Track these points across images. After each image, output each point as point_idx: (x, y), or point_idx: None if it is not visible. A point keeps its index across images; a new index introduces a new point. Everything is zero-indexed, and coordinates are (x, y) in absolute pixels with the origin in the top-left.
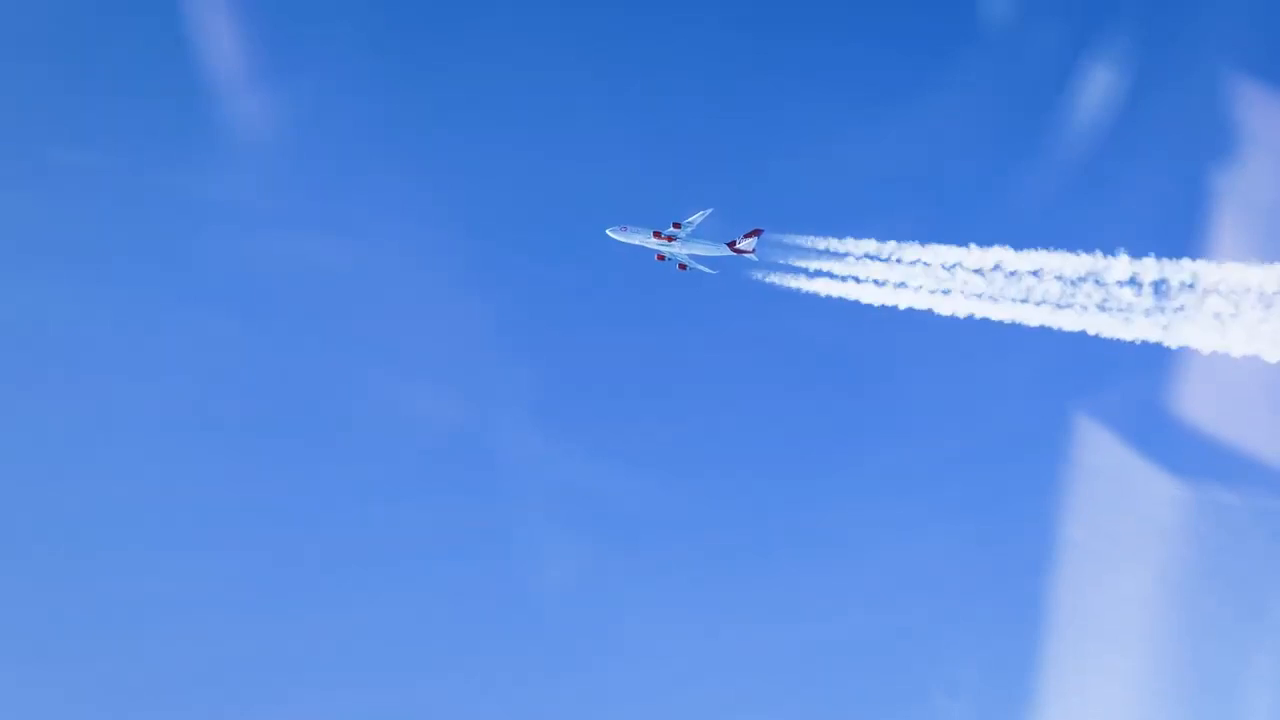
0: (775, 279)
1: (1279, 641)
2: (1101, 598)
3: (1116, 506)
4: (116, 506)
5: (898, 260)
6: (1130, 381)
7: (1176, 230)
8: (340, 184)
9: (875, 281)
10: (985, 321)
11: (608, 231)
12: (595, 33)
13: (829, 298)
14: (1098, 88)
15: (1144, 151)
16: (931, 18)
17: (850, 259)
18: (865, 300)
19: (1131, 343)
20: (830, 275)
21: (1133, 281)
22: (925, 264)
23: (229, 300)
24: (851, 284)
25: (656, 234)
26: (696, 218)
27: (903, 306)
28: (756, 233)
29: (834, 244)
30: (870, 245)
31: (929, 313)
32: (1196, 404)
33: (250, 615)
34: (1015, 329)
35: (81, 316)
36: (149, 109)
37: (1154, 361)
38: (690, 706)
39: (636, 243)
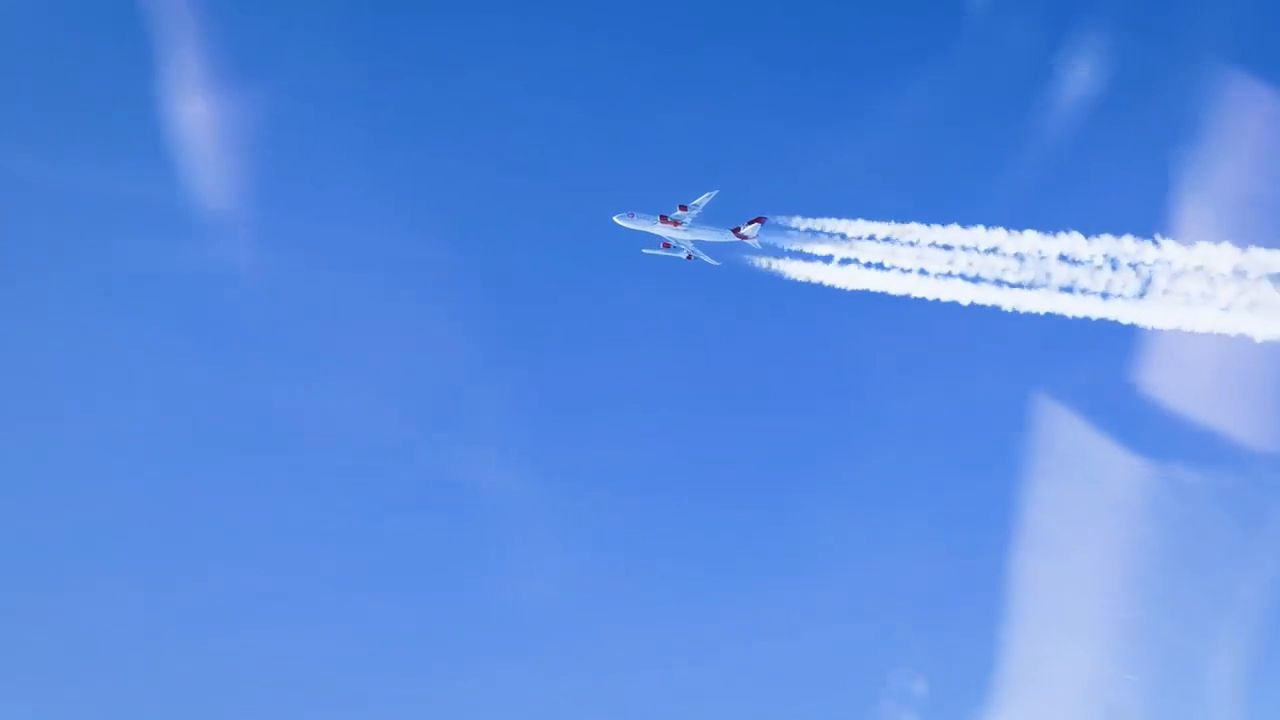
0: (775, 265)
1: (1242, 621)
2: (1066, 578)
3: (1081, 486)
4: (84, 527)
5: (889, 240)
6: (1098, 362)
7: (1150, 219)
8: (303, 191)
9: (868, 264)
10: (966, 307)
11: (615, 218)
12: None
13: (821, 287)
14: (1075, 79)
15: (1120, 141)
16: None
17: (845, 240)
18: (859, 286)
19: (1100, 321)
20: (827, 260)
21: (1106, 261)
22: (914, 244)
23: (187, 313)
24: (849, 268)
25: (663, 218)
26: (703, 199)
27: (894, 291)
28: (760, 220)
29: (829, 224)
30: (864, 226)
31: (917, 300)
32: (1161, 383)
33: (242, 633)
34: (994, 313)
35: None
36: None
37: (1121, 342)
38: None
39: (643, 229)
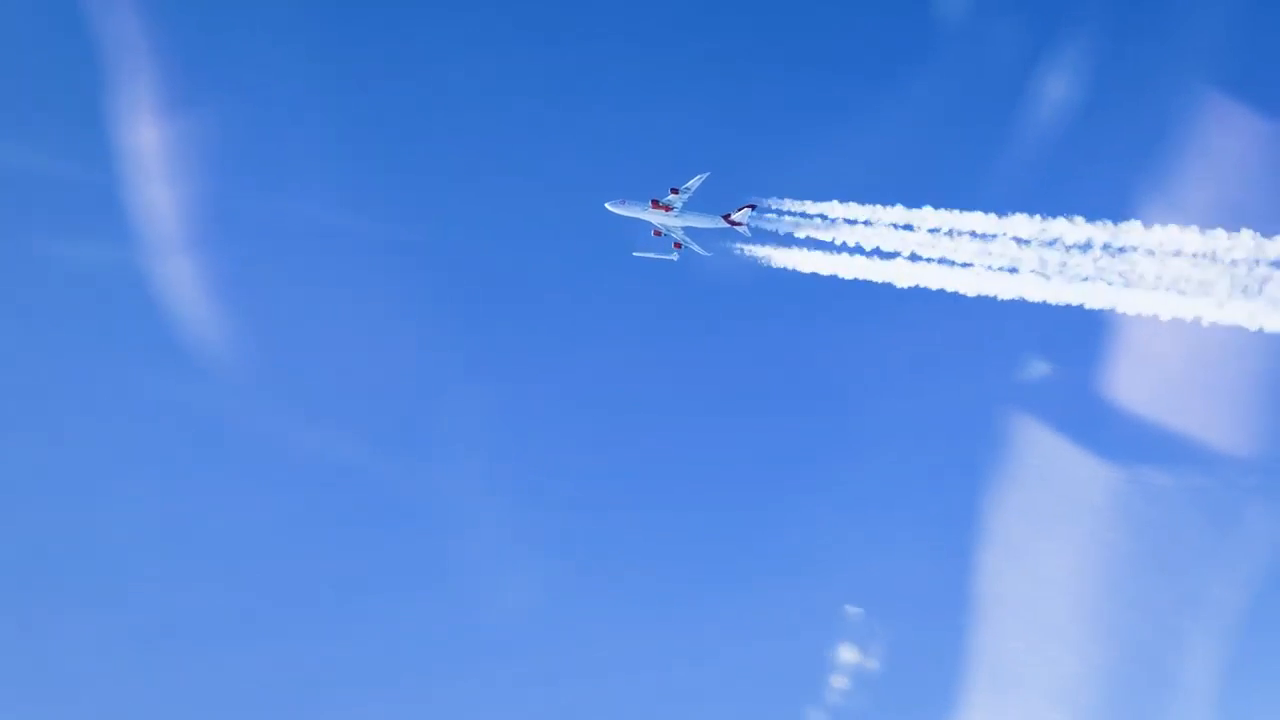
0: (763, 253)
1: (1214, 622)
2: (1036, 581)
3: (1052, 491)
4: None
5: (870, 223)
6: (1070, 363)
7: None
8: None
9: (853, 249)
10: (942, 303)
11: (607, 205)
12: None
13: (802, 281)
14: (1056, 85)
15: (1101, 144)
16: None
17: (831, 222)
18: (844, 273)
19: (1074, 314)
20: (815, 244)
21: (1085, 247)
22: (903, 226)
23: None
24: (834, 255)
25: (655, 203)
26: (694, 182)
27: (877, 279)
28: (750, 206)
29: (815, 207)
30: (848, 209)
31: (897, 291)
32: (1132, 388)
33: (223, 647)
34: (968, 309)
35: None
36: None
37: (1092, 342)
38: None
39: (634, 215)
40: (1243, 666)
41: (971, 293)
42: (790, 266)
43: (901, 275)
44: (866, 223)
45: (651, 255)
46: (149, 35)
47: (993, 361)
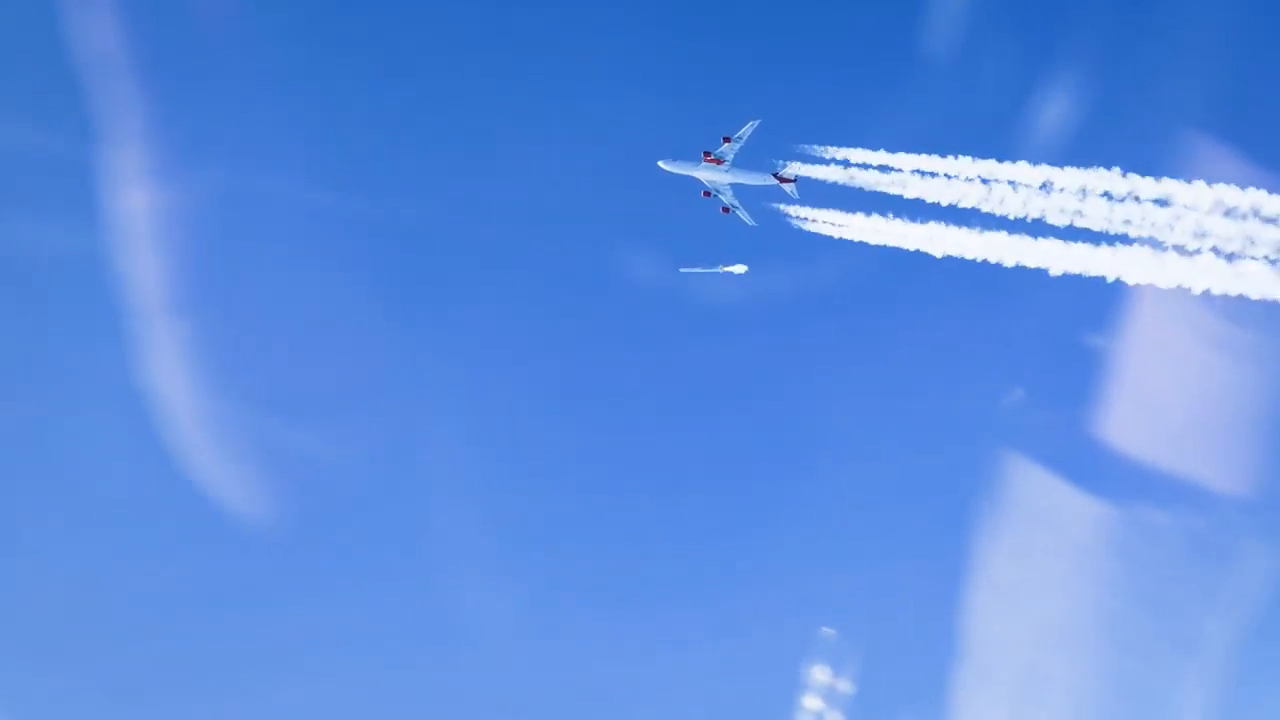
0: (804, 214)
1: (1208, 661)
2: (1027, 622)
3: (1044, 530)
4: None
5: (920, 173)
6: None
7: None
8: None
9: (893, 209)
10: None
11: (660, 163)
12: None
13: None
14: (1050, 113)
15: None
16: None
17: (876, 170)
18: (886, 241)
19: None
20: (854, 204)
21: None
22: (950, 176)
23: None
24: (871, 218)
25: (707, 154)
26: (745, 130)
27: (912, 247)
28: (794, 179)
29: (863, 155)
30: (898, 159)
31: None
32: (1126, 427)
33: (191, 651)
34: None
35: None
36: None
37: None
38: None
39: (686, 173)
40: (1236, 707)
41: (1010, 261)
42: (828, 233)
43: (936, 241)
44: (918, 173)
45: (699, 270)
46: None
47: (990, 383)
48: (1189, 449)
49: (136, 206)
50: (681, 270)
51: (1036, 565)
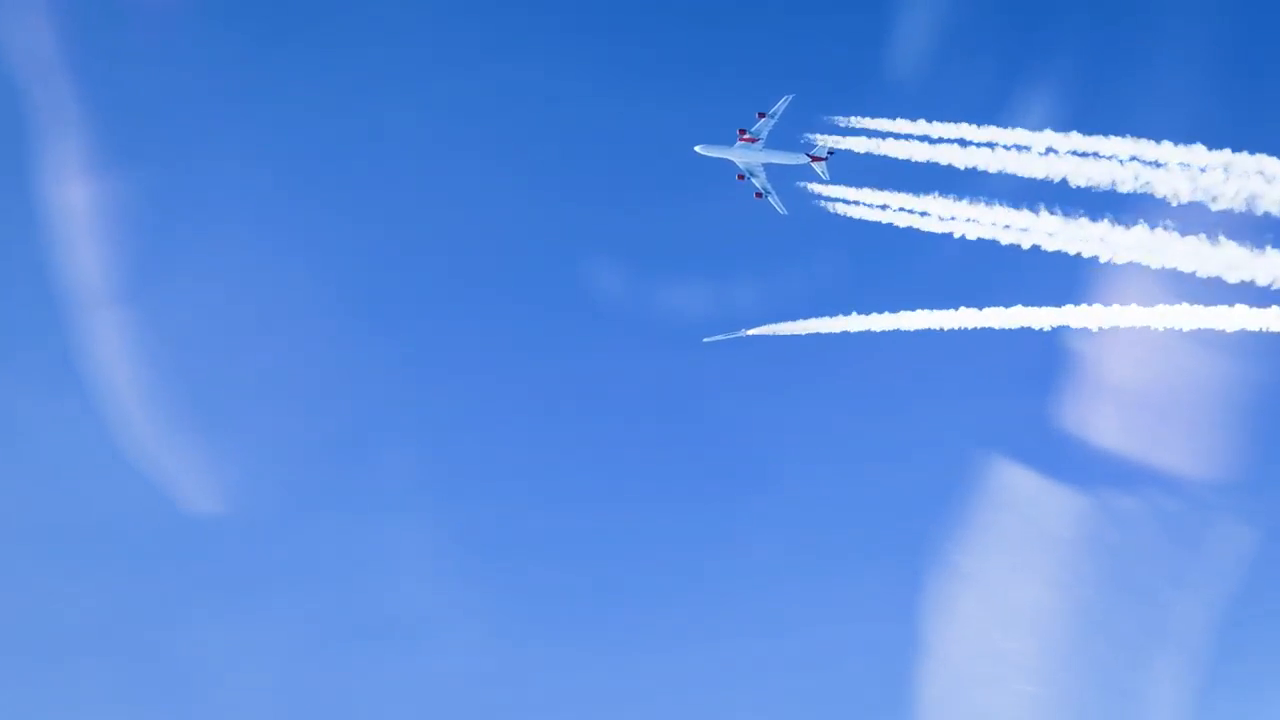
0: (834, 193)
1: (1181, 646)
2: (999, 608)
3: (1014, 517)
4: None
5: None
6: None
7: None
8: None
9: (924, 183)
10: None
11: (696, 148)
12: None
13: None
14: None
15: None
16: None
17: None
18: (914, 225)
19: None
20: (883, 179)
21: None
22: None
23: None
24: (902, 196)
25: (741, 131)
26: (779, 105)
27: (939, 230)
28: (830, 155)
29: (892, 125)
30: (925, 127)
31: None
32: (1095, 414)
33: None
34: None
35: None
36: None
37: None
38: None
39: (722, 156)
40: (1210, 691)
41: (1050, 247)
42: (856, 215)
43: (967, 221)
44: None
45: (721, 338)
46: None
47: (959, 375)
48: (1158, 434)
49: (74, 200)
50: (705, 340)
51: (1004, 553)
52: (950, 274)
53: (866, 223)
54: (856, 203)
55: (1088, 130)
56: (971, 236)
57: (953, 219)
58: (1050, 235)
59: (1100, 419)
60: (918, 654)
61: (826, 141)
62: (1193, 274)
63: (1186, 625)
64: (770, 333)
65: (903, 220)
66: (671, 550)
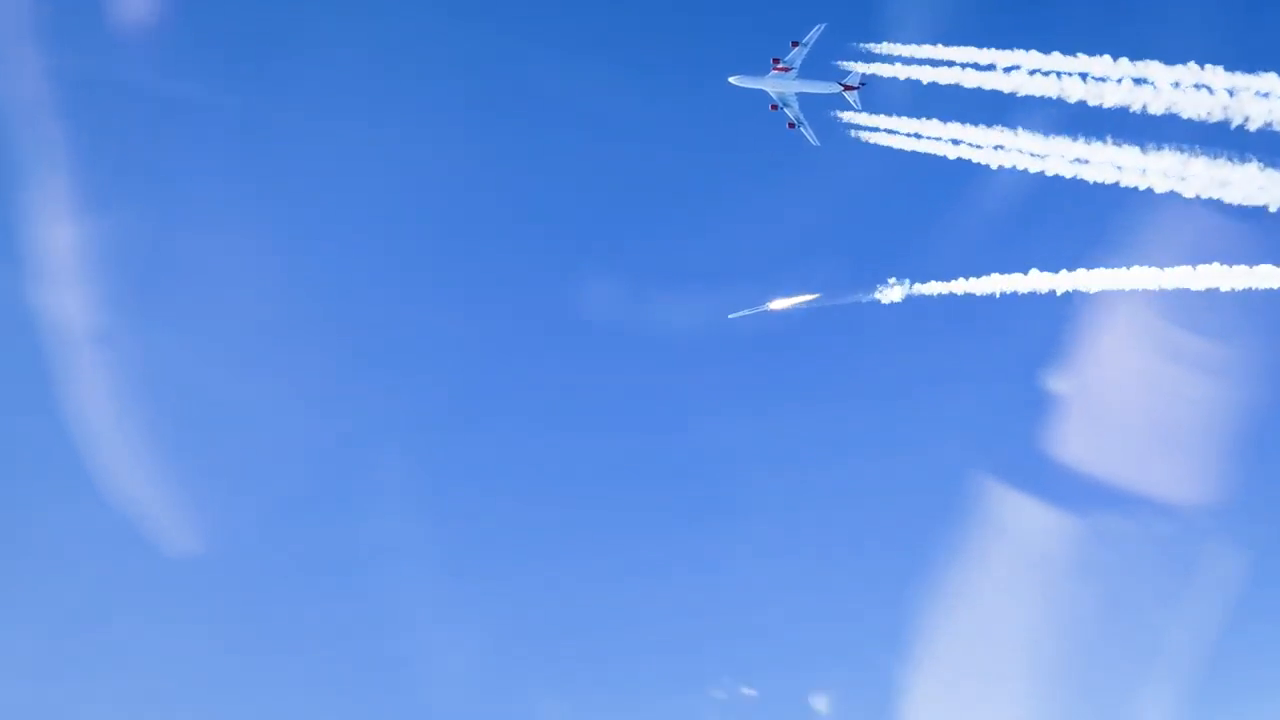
0: (867, 122)
1: (1172, 669)
2: (991, 631)
3: (1005, 540)
4: None
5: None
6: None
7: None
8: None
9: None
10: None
11: (731, 79)
12: None
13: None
14: None
15: None
16: None
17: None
18: (953, 153)
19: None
20: (919, 106)
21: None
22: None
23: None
24: (937, 123)
25: (775, 61)
26: (812, 34)
27: (980, 160)
28: (860, 85)
29: (927, 50)
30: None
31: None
32: (1083, 441)
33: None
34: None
35: None
36: None
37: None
38: None
39: (756, 86)
40: (1201, 712)
41: (1093, 179)
42: (889, 143)
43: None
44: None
45: (746, 313)
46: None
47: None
48: (1151, 458)
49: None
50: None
51: (996, 575)
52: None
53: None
54: (890, 131)
55: (1136, 56)
56: (1020, 167)
57: (997, 148)
58: (1097, 166)
59: (1090, 440)
60: (906, 674)
61: (859, 69)
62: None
63: (1177, 647)
64: (791, 306)
65: (940, 149)
66: (654, 571)
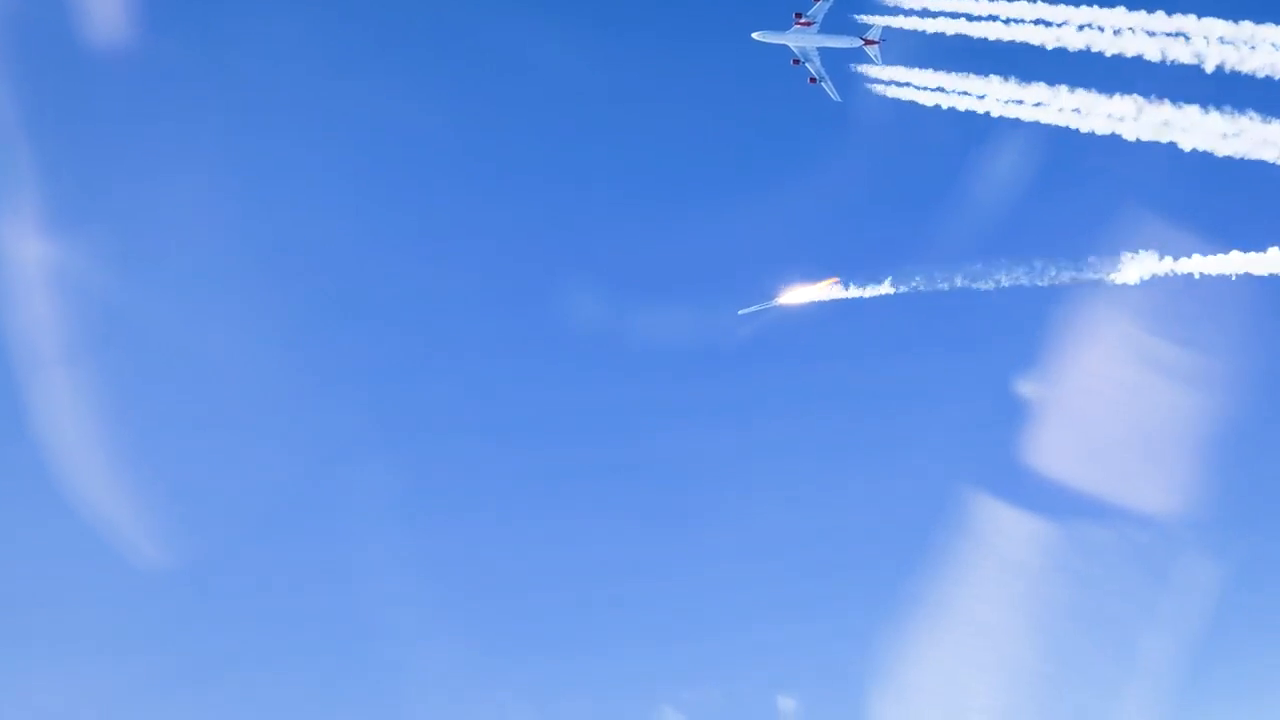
0: (886, 75)
1: (1150, 677)
2: (965, 642)
3: (981, 549)
4: None
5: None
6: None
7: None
8: None
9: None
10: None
11: (754, 35)
12: None
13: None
14: None
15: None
16: None
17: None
18: (980, 108)
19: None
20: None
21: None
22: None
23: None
24: (959, 77)
25: (798, 15)
26: None
27: (1013, 114)
28: (880, 40)
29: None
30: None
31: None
32: (1060, 450)
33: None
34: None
35: None
36: None
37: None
38: None
39: (779, 41)
40: None
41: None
42: (910, 97)
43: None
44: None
45: (756, 308)
46: None
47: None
48: (1127, 468)
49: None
50: (740, 312)
51: (973, 582)
52: None
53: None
54: (910, 85)
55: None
56: (1044, 121)
57: (1019, 103)
58: (1127, 120)
59: (1070, 450)
60: (880, 682)
61: (880, 22)
62: None
63: (1154, 656)
64: (801, 300)
65: (963, 104)
66: (633, 576)
